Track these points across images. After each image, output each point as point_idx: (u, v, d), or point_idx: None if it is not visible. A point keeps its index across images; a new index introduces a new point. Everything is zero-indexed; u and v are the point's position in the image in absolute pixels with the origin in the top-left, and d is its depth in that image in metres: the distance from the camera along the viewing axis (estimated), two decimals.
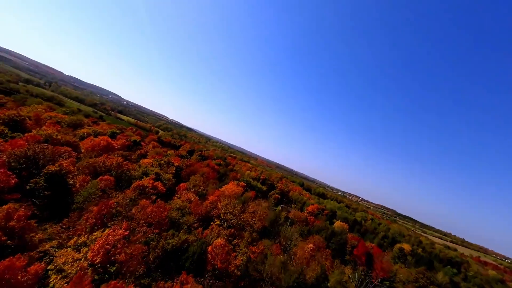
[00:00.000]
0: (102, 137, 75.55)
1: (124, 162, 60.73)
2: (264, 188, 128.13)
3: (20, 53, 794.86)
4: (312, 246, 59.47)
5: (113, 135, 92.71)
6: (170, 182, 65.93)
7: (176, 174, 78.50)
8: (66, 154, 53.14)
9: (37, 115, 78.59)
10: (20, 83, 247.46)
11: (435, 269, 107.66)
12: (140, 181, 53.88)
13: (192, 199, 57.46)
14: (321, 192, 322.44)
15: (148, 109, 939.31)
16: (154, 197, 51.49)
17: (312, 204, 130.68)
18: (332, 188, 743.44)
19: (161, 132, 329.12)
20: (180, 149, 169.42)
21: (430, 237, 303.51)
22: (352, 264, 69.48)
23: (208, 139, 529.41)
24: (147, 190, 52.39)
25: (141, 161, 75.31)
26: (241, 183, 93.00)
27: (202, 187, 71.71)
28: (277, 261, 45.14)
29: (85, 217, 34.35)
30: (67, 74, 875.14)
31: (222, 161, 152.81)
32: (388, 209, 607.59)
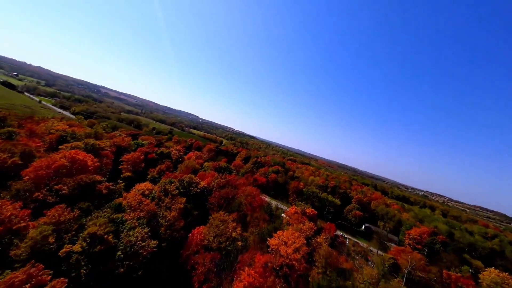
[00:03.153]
0: (69, 151, 43.21)
1: (15, 212, 24.86)
2: (337, 201, 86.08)
3: (132, 94, 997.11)
4: None
5: (137, 147, 72.66)
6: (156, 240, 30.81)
7: (199, 203, 47.57)
8: None
9: (30, 129, 64.16)
10: (122, 113, 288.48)
11: None
12: None
13: None
14: (400, 195, 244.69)
15: (218, 124, 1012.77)
16: None
17: (415, 225, 79.90)
18: (406, 187, 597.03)
19: (225, 141, 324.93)
20: (237, 157, 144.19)
21: None
22: None
23: (268, 145, 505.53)
24: None
25: (136, 186, 44.07)
26: (308, 210, 55.61)
27: (234, 233, 35.58)
28: None
29: None
30: (162, 104, 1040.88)
31: (281, 167, 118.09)
32: (490, 211, 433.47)
